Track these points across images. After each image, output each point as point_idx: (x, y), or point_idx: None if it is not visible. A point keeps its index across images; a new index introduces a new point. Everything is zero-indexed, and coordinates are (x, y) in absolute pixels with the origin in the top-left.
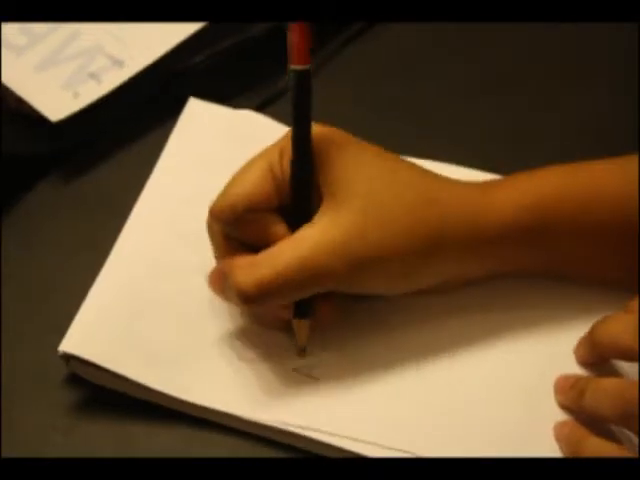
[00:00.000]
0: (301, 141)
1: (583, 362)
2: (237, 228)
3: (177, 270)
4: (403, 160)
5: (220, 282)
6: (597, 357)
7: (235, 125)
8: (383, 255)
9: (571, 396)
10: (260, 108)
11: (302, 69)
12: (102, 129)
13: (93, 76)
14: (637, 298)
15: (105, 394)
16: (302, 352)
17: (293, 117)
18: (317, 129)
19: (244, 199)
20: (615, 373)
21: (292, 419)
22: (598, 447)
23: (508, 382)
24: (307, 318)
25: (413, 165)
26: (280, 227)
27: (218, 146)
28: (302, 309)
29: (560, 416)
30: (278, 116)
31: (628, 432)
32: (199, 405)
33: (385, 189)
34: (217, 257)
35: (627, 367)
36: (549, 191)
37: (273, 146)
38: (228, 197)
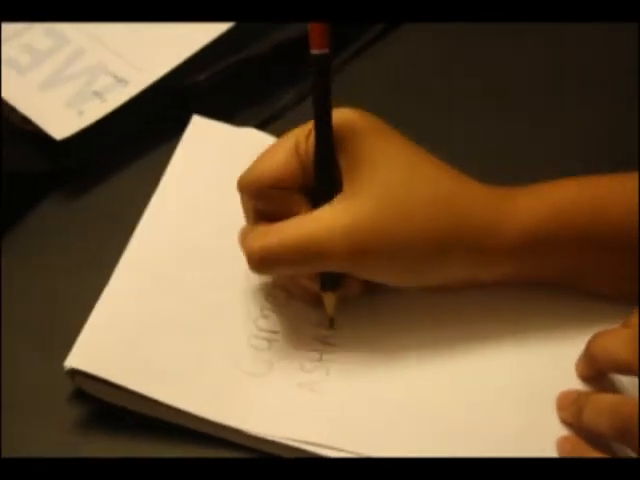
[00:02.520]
0: (322, 125)
1: (583, 378)
2: (261, 202)
3: (182, 284)
4: (427, 155)
5: (241, 242)
6: (595, 372)
7: (237, 142)
8: (391, 247)
9: (571, 412)
10: (262, 126)
11: (321, 54)
12: (106, 147)
13: (97, 94)
14: (636, 313)
15: (111, 411)
16: (331, 323)
17: (313, 102)
18: (344, 114)
19: (268, 176)
20: (615, 388)
21: (296, 434)
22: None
23: (510, 388)
24: (333, 291)
25: (436, 162)
26: (302, 206)
27: (221, 163)
28: (328, 282)
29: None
30: (280, 134)
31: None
32: (203, 418)
33: (403, 183)
34: (246, 223)
35: (627, 382)
36: (567, 202)
37: (301, 127)
38: (253, 173)
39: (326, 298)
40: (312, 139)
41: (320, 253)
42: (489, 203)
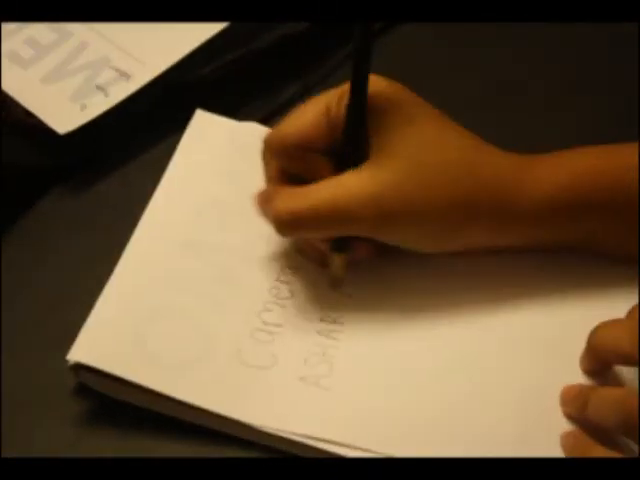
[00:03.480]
0: (357, 91)
1: (587, 372)
2: (285, 161)
3: (184, 278)
4: (453, 124)
5: (264, 204)
6: (598, 364)
7: (241, 137)
8: (415, 214)
9: (575, 406)
10: (265, 120)
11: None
12: (109, 141)
13: (100, 88)
14: (636, 305)
15: (114, 406)
16: (338, 284)
17: (353, 65)
18: (378, 83)
19: (294, 135)
20: (620, 381)
21: (298, 428)
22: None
23: (515, 382)
24: (343, 253)
25: (462, 130)
26: (326, 169)
27: (224, 158)
28: (339, 244)
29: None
30: None
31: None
32: (206, 410)
33: (429, 151)
34: (267, 183)
35: (631, 375)
36: (587, 170)
37: (334, 90)
38: (281, 131)
39: (335, 259)
40: (344, 103)
41: (347, 219)
42: (511, 170)
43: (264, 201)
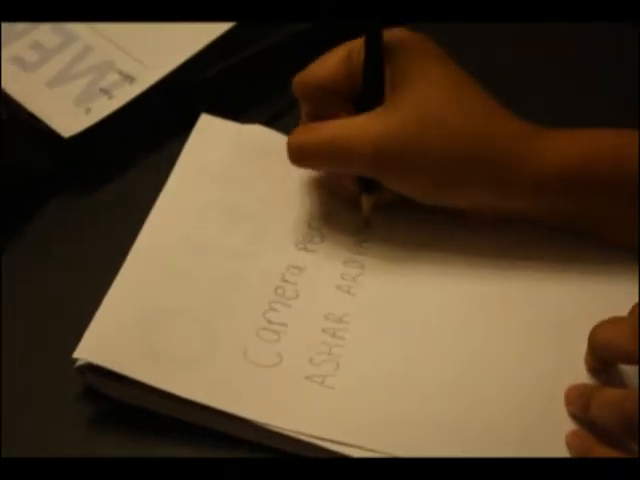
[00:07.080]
0: (372, 38)
1: (592, 370)
2: (310, 103)
3: (190, 278)
4: (471, 82)
5: None
6: (599, 362)
7: (245, 140)
8: (413, 162)
9: (579, 406)
10: (269, 122)
11: None
12: (114, 144)
13: (105, 91)
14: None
15: (121, 409)
16: (367, 224)
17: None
18: (396, 31)
19: (316, 79)
20: (624, 380)
21: (303, 427)
22: (606, 456)
23: (524, 377)
24: (370, 194)
25: (478, 90)
26: (349, 112)
27: (229, 160)
28: (366, 186)
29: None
30: (287, 130)
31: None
32: (211, 407)
33: (440, 103)
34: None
35: (634, 374)
36: (595, 149)
37: (358, 39)
38: (304, 74)
39: (363, 200)
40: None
41: (347, 154)
42: (520, 136)
43: None
